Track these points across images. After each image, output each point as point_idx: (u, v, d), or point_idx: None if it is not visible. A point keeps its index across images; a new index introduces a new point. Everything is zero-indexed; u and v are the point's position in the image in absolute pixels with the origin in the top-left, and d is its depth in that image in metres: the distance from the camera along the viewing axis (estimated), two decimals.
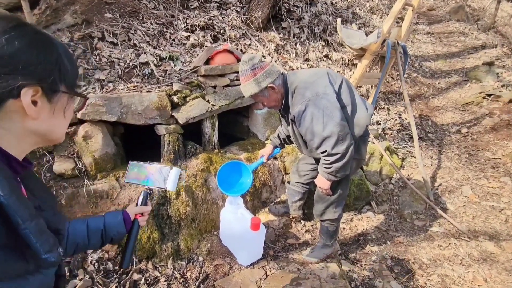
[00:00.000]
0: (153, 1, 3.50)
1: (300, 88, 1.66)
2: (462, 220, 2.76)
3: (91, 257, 1.91)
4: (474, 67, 6.02)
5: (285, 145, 2.26)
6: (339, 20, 3.20)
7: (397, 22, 5.31)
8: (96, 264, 1.89)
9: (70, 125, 2.15)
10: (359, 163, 1.98)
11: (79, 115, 2.04)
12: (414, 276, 2.14)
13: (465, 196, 3.08)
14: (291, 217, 2.61)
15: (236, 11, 4.04)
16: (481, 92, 5.10)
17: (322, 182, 1.79)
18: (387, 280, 2.08)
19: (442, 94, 5.55)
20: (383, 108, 4.64)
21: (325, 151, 1.61)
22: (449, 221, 2.68)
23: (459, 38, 7.61)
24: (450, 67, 6.43)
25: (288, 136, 2.13)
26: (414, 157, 3.66)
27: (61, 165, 1.99)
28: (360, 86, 4.45)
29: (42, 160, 2.00)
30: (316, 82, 1.66)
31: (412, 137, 3.50)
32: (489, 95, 4.99)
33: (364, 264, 2.23)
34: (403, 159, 3.73)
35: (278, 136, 2.20)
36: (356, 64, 4.16)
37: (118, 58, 2.57)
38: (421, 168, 3.14)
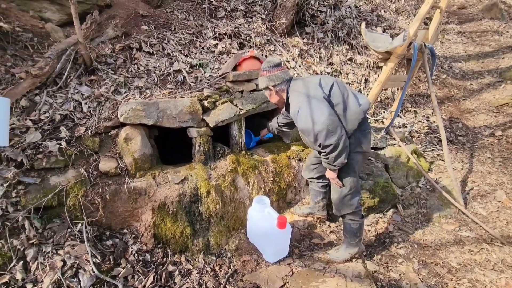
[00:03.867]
0: (184, 12, 3.74)
1: (295, 92, 1.96)
2: (495, 225, 2.67)
3: (132, 248, 2.09)
4: (510, 67, 5.71)
5: (277, 134, 2.73)
6: (363, 24, 3.23)
7: (425, 23, 5.20)
8: (136, 255, 2.06)
9: (113, 128, 2.38)
10: (364, 156, 2.15)
11: (121, 119, 2.25)
12: (443, 280, 2.12)
13: (499, 201, 2.97)
14: (315, 217, 2.66)
15: (261, 18, 4.18)
16: None
17: (329, 173, 2.05)
18: (414, 282, 2.08)
19: (474, 95, 5.32)
20: (410, 110, 4.56)
21: (320, 144, 1.84)
22: (480, 226, 2.61)
23: (493, 37, 7.24)
24: (483, 67, 6.14)
25: (280, 125, 2.53)
26: (443, 160, 3.57)
27: (106, 164, 2.20)
28: (386, 89, 4.41)
29: (90, 160, 2.22)
30: (308, 87, 1.93)
31: (441, 140, 3.42)
32: None
33: (390, 266, 2.24)
34: (431, 163, 3.65)
35: (271, 124, 2.64)
36: (381, 67, 4.13)
37: (154, 67, 2.79)
38: (451, 172, 3.07)
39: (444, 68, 5.98)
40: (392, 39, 3.20)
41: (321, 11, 4.61)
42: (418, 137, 4.08)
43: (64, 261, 1.77)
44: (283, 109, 2.26)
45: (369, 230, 2.64)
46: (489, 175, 3.44)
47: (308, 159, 2.54)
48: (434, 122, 4.37)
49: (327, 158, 1.90)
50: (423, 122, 4.35)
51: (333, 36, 4.52)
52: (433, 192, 3.12)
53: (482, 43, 7.03)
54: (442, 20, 7.15)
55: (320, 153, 2.00)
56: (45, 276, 1.69)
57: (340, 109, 1.91)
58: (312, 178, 2.49)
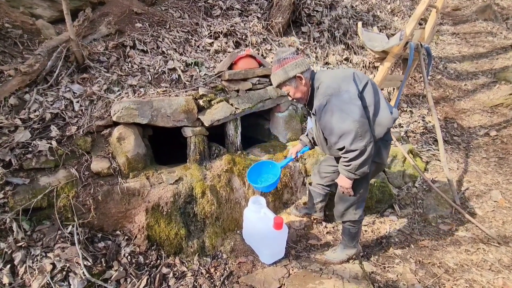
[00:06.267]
0: (179, 10, 3.69)
1: (323, 84, 1.70)
2: (491, 225, 2.67)
3: (124, 250, 2.03)
4: (504, 68, 5.77)
5: (314, 145, 2.25)
6: (360, 23, 3.22)
7: (420, 24, 5.22)
8: (129, 257, 2.01)
9: (106, 127, 2.32)
10: (379, 167, 1.95)
11: (114, 118, 2.20)
12: (440, 281, 2.10)
13: (495, 201, 2.97)
14: (312, 218, 2.64)
15: (257, 17, 4.15)
16: (511, 94, 4.88)
17: (344, 181, 1.79)
18: (412, 283, 2.06)
19: (469, 96, 5.36)
20: (406, 110, 4.56)
21: (343, 147, 1.62)
22: (477, 226, 2.60)
23: (486, 38, 7.31)
24: (477, 68, 6.19)
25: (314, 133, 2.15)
26: (439, 160, 3.58)
27: (98, 164, 2.15)
28: (382, 89, 4.41)
29: (81, 160, 2.16)
30: (340, 79, 1.69)
31: (436, 140, 3.42)
32: None
33: (387, 267, 2.22)
34: (427, 162, 3.65)
35: (307, 135, 2.25)
36: (377, 66, 4.13)
37: (148, 65, 2.74)
38: (447, 172, 3.07)
39: (439, 68, 6.01)
40: (388, 39, 3.19)
41: (317, 11, 4.60)
42: (414, 137, 4.09)
43: (53, 264, 1.72)
44: (306, 112, 2.00)
45: (366, 231, 2.62)
46: (484, 175, 3.45)
47: (320, 166, 2.36)
48: (430, 122, 4.38)
49: (349, 165, 1.66)
50: (419, 122, 4.36)
51: (329, 36, 4.51)
52: (430, 192, 3.12)
53: (476, 44, 7.09)
54: (436, 21, 7.20)
55: (337, 159, 1.81)
56: (33, 280, 1.64)
57: (370, 112, 1.68)
58: (322, 185, 2.37)
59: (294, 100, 1.88)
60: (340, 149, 1.66)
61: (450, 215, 2.82)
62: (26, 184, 1.93)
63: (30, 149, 2.01)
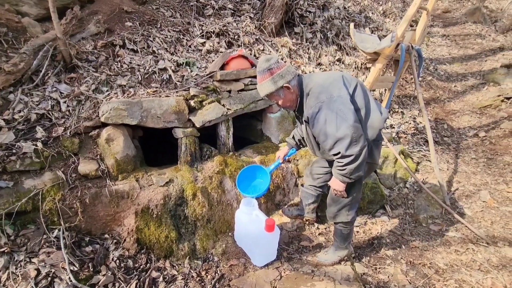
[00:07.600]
0: (170, 10, 3.64)
1: (314, 90, 1.67)
2: (480, 225, 2.70)
3: (113, 254, 1.99)
4: (492, 70, 5.88)
5: (301, 146, 2.26)
6: (352, 24, 3.23)
7: (411, 26, 5.28)
8: (117, 261, 1.97)
9: (94, 128, 2.27)
10: (371, 167, 1.97)
11: (102, 119, 2.15)
12: (430, 281, 2.11)
13: (483, 201, 3.02)
14: (304, 219, 2.63)
15: (250, 17, 4.13)
16: (499, 95, 4.98)
17: (337, 185, 1.78)
18: (403, 284, 2.07)
19: (458, 97, 5.44)
20: (397, 111, 4.61)
21: (339, 153, 1.60)
22: (466, 226, 2.63)
23: (475, 40, 7.45)
24: (467, 69, 6.30)
25: (304, 138, 2.14)
26: (430, 161, 3.62)
27: (86, 166, 2.10)
28: (374, 90, 4.44)
29: (68, 161, 2.11)
30: (331, 84, 1.67)
31: (427, 141, 3.46)
32: (508, 98, 4.87)
33: (379, 268, 2.22)
34: (418, 163, 3.69)
35: (293, 137, 2.24)
36: (369, 68, 4.16)
37: (138, 65, 2.69)
38: (437, 172, 3.10)
39: (429, 70, 6.10)
40: (380, 40, 3.20)
41: (310, 12, 4.60)
42: (405, 137, 4.12)
43: (38, 270, 1.66)
44: (295, 116, 1.95)
45: (357, 232, 2.63)
46: (474, 175, 3.50)
47: (312, 167, 2.35)
48: (421, 123, 4.43)
49: (343, 170, 1.65)
50: (410, 123, 4.41)
51: (322, 37, 4.52)
52: (420, 192, 3.15)
53: (466, 46, 7.22)
54: (427, 24, 7.31)
55: (329, 162, 1.79)
56: (16, 287, 1.58)
57: (362, 115, 1.68)
58: (314, 186, 2.37)
59: (283, 108, 1.86)
60: (335, 155, 1.64)
61: (441, 216, 2.85)
62: (10, 187, 1.87)
63: (14, 150, 1.95)
